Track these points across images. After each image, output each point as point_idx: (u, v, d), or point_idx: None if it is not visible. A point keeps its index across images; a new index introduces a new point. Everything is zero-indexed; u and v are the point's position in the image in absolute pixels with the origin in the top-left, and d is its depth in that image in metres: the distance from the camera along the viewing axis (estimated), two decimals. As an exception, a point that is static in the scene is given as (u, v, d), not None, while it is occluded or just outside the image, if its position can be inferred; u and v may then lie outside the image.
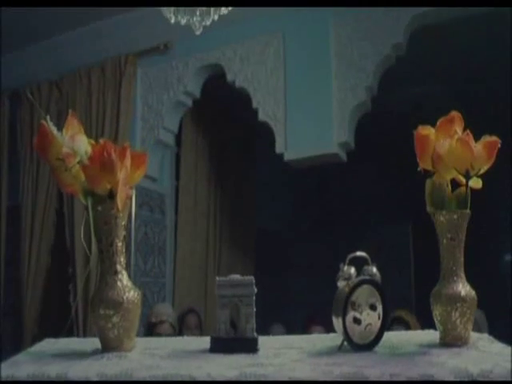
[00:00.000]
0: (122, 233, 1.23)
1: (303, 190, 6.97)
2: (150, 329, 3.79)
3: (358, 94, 4.05)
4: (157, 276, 4.74)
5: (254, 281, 1.26)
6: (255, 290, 1.25)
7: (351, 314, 1.26)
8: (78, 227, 4.43)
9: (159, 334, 3.74)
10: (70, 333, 4.34)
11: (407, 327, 3.69)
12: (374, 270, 1.30)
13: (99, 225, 1.22)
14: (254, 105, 4.26)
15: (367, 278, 1.28)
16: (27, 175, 4.68)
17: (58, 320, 4.70)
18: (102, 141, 1.21)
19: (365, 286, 1.27)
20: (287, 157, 4.19)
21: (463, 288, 1.30)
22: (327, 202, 6.99)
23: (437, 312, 1.31)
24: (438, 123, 1.39)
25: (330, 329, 3.73)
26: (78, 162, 1.26)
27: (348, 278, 1.27)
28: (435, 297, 1.32)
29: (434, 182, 1.37)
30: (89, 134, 3.95)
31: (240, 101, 4.49)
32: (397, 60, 4.06)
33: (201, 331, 4.52)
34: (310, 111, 4.12)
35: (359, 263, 1.29)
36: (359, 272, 1.32)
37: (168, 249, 4.91)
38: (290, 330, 5.65)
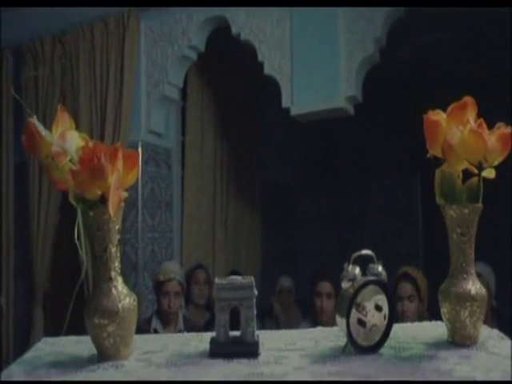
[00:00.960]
0: (116, 238, 1.17)
1: (309, 142, 6.86)
2: (158, 287, 3.78)
3: (366, 46, 3.91)
4: (164, 231, 4.71)
5: (254, 283, 1.20)
6: (256, 292, 1.19)
7: (356, 316, 1.20)
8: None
9: (167, 292, 3.73)
10: (81, 290, 4.35)
11: (414, 283, 3.65)
12: (380, 268, 1.23)
13: (92, 230, 1.15)
14: (260, 58, 4.13)
15: (373, 278, 1.21)
16: (33, 133, 4.60)
17: (69, 275, 4.70)
18: (91, 143, 1.13)
19: (370, 287, 1.21)
20: (293, 111, 4.09)
21: (473, 286, 1.23)
22: (334, 154, 6.89)
23: (445, 310, 1.25)
24: (449, 109, 1.29)
25: (336, 284, 3.70)
26: (70, 160, 1.19)
27: (353, 279, 1.21)
28: (443, 294, 1.25)
29: (444, 171, 1.28)
30: (93, 92, 3.87)
31: (245, 54, 4.35)
32: (405, 11, 3.90)
33: (209, 286, 4.52)
34: (316, 64, 3.99)
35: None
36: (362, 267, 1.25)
37: (175, 204, 4.86)
38: (297, 282, 5.65)
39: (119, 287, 1.17)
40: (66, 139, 1.19)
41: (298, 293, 5.34)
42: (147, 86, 4.53)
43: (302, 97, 4.05)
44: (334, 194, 6.87)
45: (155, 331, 3.75)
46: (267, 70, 4.13)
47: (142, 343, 1.30)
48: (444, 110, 1.30)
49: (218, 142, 5.30)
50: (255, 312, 1.19)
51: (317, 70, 3.99)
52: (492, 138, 1.21)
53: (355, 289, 1.19)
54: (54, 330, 4.31)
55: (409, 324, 1.46)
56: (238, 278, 1.21)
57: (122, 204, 1.17)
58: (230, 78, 5.36)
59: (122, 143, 1.19)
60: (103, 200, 1.13)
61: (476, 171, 1.26)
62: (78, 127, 4.05)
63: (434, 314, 3.69)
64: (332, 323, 3.66)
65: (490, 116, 1.30)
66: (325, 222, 6.88)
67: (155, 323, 3.78)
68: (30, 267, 4.53)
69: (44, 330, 4.50)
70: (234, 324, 1.24)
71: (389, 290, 1.22)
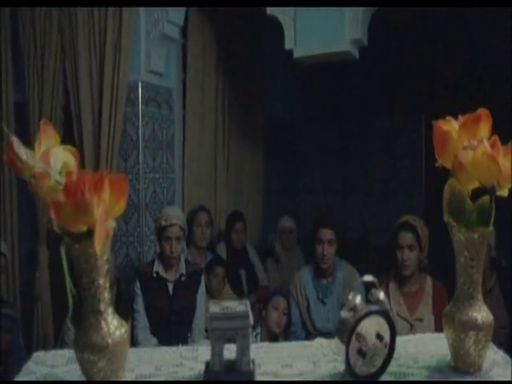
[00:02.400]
0: (104, 268, 1.09)
1: (313, 80, 6.64)
2: (160, 232, 3.74)
3: (373, -13, 3.70)
4: (166, 172, 4.62)
5: (249, 312, 1.12)
6: (251, 321, 1.12)
7: (356, 345, 1.13)
8: (86, 124, 4.27)
9: (169, 237, 3.69)
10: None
11: (414, 232, 3.59)
12: (382, 295, 1.16)
13: (79, 263, 1.07)
14: (263, -3, 3.93)
15: (375, 308, 1.14)
16: (32, 72, 4.43)
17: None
18: (75, 174, 1.03)
19: (372, 316, 1.13)
20: (296, 54, 3.93)
21: (479, 313, 1.15)
22: (337, 93, 6.67)
23: (449, 335, 1.18)
24: (462, 120, 1.18)
25: (338, 232, 3.64)
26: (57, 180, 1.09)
27: (354, 308, 1.13)
28: (448, 318, 1.18)
29: (454, 188, 1.18)
30: (91, 32, 3.69)
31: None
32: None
33: (211, 228, 4.48)
34: (321, 6, 3.79)
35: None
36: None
37: (176, 144, 4.76)
38: (299, 219, 5.62)
39: (109, 319, 1.09)
40: (49, 158, 1.09)
41: (300, 231, 5.31)
42: (147, 25, 4.34)
43: (305, 39, 3.88)
44: (337, 131, 6.73)
45: (157, 274, 3.74)
46: (270, 10, 3.93)
47: (136, 361, 1.24)
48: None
49: (220, 81, 5.13)
50: (251, 340, 1.12)
51: (321, 11, 3.79)
52: (506, 163, 1.10)
53: (356, 319, 1.11)
54: (57, 268, 4.32)
55: (411, 337, 1.40)
56: (233, 305, 1.13)
57: (111, 233, 1.08)
58: (232, 15, 5.12)
59: (107, 173, 1.06)
60: (89, 232, 1.05)
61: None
62: (76, 66, 3.87)
63: (433, 263, 3.66)
64: (332, 270, 3.63)
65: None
66: (327, 159, 6.77)
67: (157, 267, 3.76)
68: (33, 207, 4.48)
69: (49, 267, 4.49)
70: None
71: (391, 318, 1.15)
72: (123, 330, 1.10)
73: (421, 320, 3.59)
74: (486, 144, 1.11)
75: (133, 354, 1.23)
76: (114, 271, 3.70)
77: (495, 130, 1.18)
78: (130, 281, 4.28)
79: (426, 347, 1.30)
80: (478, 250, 1.14)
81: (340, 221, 6.31)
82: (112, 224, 1.07)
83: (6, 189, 4.47)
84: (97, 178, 1.03)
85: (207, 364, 1.15)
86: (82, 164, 3.64)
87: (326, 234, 3.81)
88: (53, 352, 1.30)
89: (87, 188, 1.00)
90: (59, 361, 1.26)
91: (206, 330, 3.91)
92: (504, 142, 1.15)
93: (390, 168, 6.44)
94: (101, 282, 1.08)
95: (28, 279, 4.53)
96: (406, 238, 3.58)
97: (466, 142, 1.16)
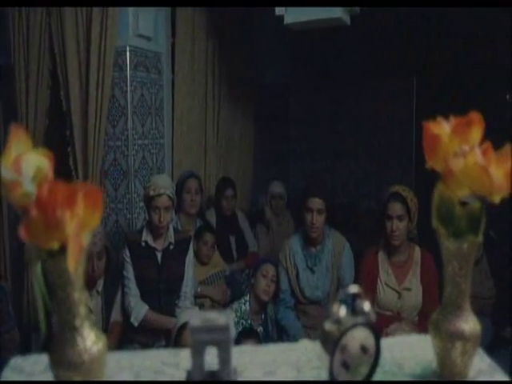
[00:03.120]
0: (80, 281, 1.03)
1: (304, 46, 6.48)
2: (148, 201, 3.69)
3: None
4: (155, 137, 4.55)
5: (230, 324, 1.08)
6: (233, 333, 1.08)
7: (340, 357, 1.10)
8: (73, 89, 4.18)
9: (157, 207, 3.64)
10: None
11: (404, 203, 3.56)
12: (367, 306, 1.11)
13: (52, 277, 1.02)
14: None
15: (360, 321, 1.09)
16: (17, 35, 4.29)
17: (60, 179, 4.60)
18: (46, 187, 0.96)
19: (357, 329, 1.09)
20: (287, 20, 3.83)
21: (467, 324, 1.11)
22: (328, 59, 6.50)
23: (435, 343, 1.14)
24: (453, 123, 1.13)
25: (328, 200, 3.60)
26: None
27: (338, 321, 1.09)
28: (434, 326, 1.14)
29: (443, 193, 1.13)
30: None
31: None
32: None
33: (201, 195, 4.44)
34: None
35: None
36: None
37: (165, 109, 4.67)
38: (289, 184, 5.58)
39: (85, 334, 1.04)
40: (20, 165, 1.03)
41: (290, 197, 5.28)
42: (134, -12, 4.20)
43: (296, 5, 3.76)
44: (327, 96, 6.62)
45: (146, 243, 3.71)
46: (261, -25, 3.81)
47: (115, 368, 1.20)
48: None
49: (210, 45, 5.02)
50: (232, 353, 1.08)
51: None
52: (499, 173, 1.05)
53: (341, 332, 1.07)
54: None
55: (397, 340, 1.36)
56: (215, 316, 1.09)
57: (86, 248, 1.02)
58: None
59: (83, 185, 1.00)
60: (62, 248, 0.99)
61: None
62: (62, 30, 3.74)
63: (422, 233, 3.63)
64: (321, 238, 3.61)
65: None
66: (318, 124, 6.68)
67: (146, 236, 3.73)
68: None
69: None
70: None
71: (377, 331, 1.11)
72: (101, 345, 1.06)
73: (409, 289, 3.59)
74: (478, 153, 1.06)
75: (111, 358, 1.19)
76: (103, 240, 3.67)
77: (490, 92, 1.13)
78: (119, 247, 4.25)
79: (411, 351, 1.26)
80: (467, 259, 1.10)
81: (330, 186, 6.28)
82: (87, 238, 1.02)
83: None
84: (70, 190, 0.97)
85: (188, 373, 1.12)
86: (69, 124, 3.55)
87: (316, 203, 3.78)
88: (33, 358, 1.26)
89: (59, 203, 0.94)
90: (38, 368, 1.22)
91: (195, 297, 3.91)
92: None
93: (380, 133, 6.36)
94: (76, 296, 1.02)
95: (17, 246, 4.49)
96: (396, 208, 3.55)
97: (458, 148, 1.10)
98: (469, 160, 1.07)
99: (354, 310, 1.11)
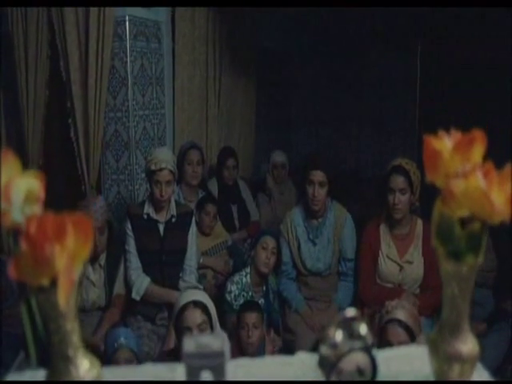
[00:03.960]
0: (73, 311, 1.01)
1: (307, 12, 6.29)
2: (150, 175, 3.66)
3: None
4: (156, 108, 4.49)
5: (225, 349, 1.06)
6: (227, 359, 1.06)
7: (336, 379, 1.08)
8: (73, 60, 4.11)
9: (158, 181, 3.60)
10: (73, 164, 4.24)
11: (407, 176, 3.52)
12: (364, 329, 1.09)
13: (45, 309, 0.99)
14: None
15: (357, 346, 1.07)
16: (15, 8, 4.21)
17: (61, 154, 4.58)
18: (34, 222, 0.93)
19: (353, 353, 1.07)
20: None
21: (465, 345, 1.08)
22: (332, 25, 6.33)
23: (433, 363, 1.12)
24: (455, 141, 1.09)
25: (329, 173, 3.56)
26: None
27: (334, 346, 1.07)
28: (432, 345, 1.12)
29: (442, 213, 1.10)
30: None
31: None
32: None
33: (203, 166, 4.40)
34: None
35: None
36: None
37: (166, 78, 4.59)
38: (291, 153, 5.52)
39: (78, 363, 1.02)
40: (10, 193, 1.00)
41: (292, 165, 5.24)
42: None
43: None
44: (330, 62, 6.48)
45: (148, 216, 3.69)
46: None
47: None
48: None
49: (210, 12, 4.90)
50: (226, 376, 1.06)
51: None
52: (500, 197, 1.01)
53: (337, 357, 1.06)
54: (48, 202, 4.27)
55: (394, 352, 1.34)
56: (209, 341, 1.07)
57: (77, 279, 0.99)
58: None
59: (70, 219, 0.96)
60: (53, 282, 0.96)
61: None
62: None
63: (424, 206, 3.61)
64: (323, 211, 3.58)
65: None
66: (320, 91, 6.56)
67: (148, 208, 3.70)
68: (23, 143, 4.37)
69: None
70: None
71: (373, 354, 1.09)
72: (95, 372, 1.04)
73: (410, 262, 3.58)
74: (480, 176, 1.02)
75: (107, 374, 1.18)
76: (105, 215, 3.65)
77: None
78: (121, 219, 4.24)
79: (409, 365, 1.24)
80: (466, 282, 1.07)
81: (332, 154, 6.21)
82: (78, 271, 0.99)
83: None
84: (59, 222, 0.94)
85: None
86: (69, 95, 3.49)
87: (317, 175, 3.74)
88: (28, 374, 1.24)
89: (48, 238, 0.91)
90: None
91: (198, 269, 3.91)
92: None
93: (384, 100, 6.25)
94: (68, 327, 1.00)
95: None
96: (398, 181, 3.51)
97: (459, 166, 1.07)
98: (470, 182, 1.03)
99: (350, 334, 1.09)
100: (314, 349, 2.86)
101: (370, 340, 1.08)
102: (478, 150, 1.08)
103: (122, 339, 2.94)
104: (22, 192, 1.02)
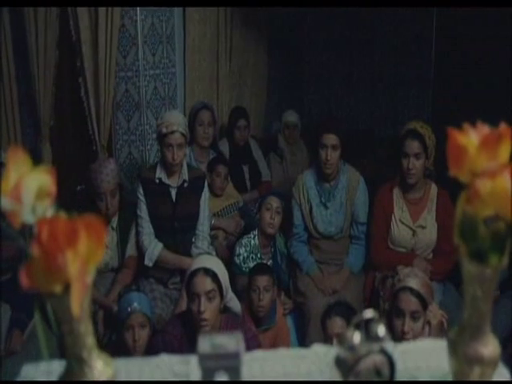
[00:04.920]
0: (86, 313, 0.99)
1: None
2: (161, 138, 3.60)
3: None
4: (166, 67, 4.39)
5: (241, 349, 1.03)
6: (242, 361, 1.04)
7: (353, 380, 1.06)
8: (82, 19, 4.01)
9: (170, 145, 3.54)
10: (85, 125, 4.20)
11: (421, 141, 3.46)
12: (383, 331, 1.06)
13: (58, 312, 0.97)
14: None
15: (375, 349, 1.04)
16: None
17: (72, 114, 4.53)
18: (45, 228, 0.90)
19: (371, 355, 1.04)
20: None
21: (486, 348, 1.05)
22: None
23: (452, 364, 1.09)
24: (481, 135, 1.04)
25: (342, 136, 3.51)
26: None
27: (352, 348, 1.04)
28: (452, 347, 1.09)
29: (466, 212, 1.06)
30: None
31: None
32: None
33: (214, 127, 4.35)
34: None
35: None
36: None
37: (177, 37, 4.47)
38: (303, 113, 5.43)
39: (93, 364, 1.01)
40: (20, 191, 0.96)
41: (304, 124, 5.16)
42: None
43: None
44: (344, 19, 6.28)
45: (160, 180, 3.65)
46: None
47: (124, 377, 1.17)
48: None
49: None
50: (241, 378, 1.04)
51: None
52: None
53: (355, 359, 1.03)
54: (61, 164, 4.22)
55: (411, 347, 1.31)
56: (225, 341, 1.04)
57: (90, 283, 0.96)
58: None
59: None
60: (66, 287, 0.94)
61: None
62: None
63: (439, 170, 3.55)
64: (336, 174, 3.53)
65: None
66: (333, 48, 6.39)
67: (159, 173, 3.66)
68: (34, 103, 4.32)
69: (52, 164, 4.40)
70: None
71: (391, 357, 1.06)
72: (109, 372, 1.02)
73: (423, 227, 3.54)
74: (507, 177, 0.97)
75: (121, 367, 1.16)
76: (116, 178, 3.62)
77: None
78: (133, 180, 4.22)
79: (426, 361, 1.22)
80: (489, 284, 1.03)
81: (345, 114, 6.10)
82: (92, 275, 0.96)
83: (5, 87, 4.27)
84: (71, 227, 0.91)
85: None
86: (79, 55, 3.41)
87: (330, 139, 3.67)
88: (43, 366, 1.23)
89: (60, 244, 0.88)
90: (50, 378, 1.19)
91: (211, 236, 3.89)
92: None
93: (399, 57, 6.08)
94: (81, 329, 0.98)
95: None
96: (413, 146, 3.44)
97: (485, 164, 1.02)
98: (497, 182, 0.99)
99: (368, 335, 1.06)
100: (325, 314, 2.87)
101: (388, 341, 1.05)
102: (506, 148, 1.03)
103: (136, 304, 2.94)
104: (33, 190, 0.98)
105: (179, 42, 4.50)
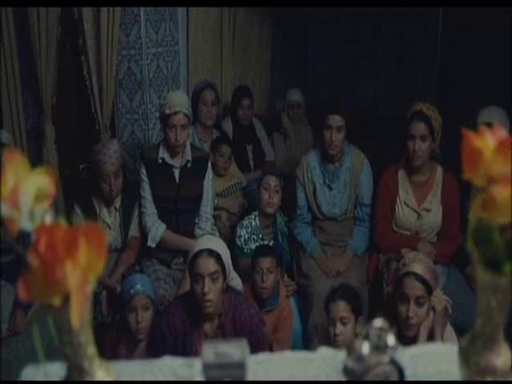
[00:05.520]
0: (87, 324, 0.95)
1: None
2: (164, 119, 3.55)
3: None
4: (169, 45, 4.32)
5: (245, 358, 1.00)
6: (247, 371, 1.00)
7: (363, 388, 1.02)
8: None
9: (173, 125, 3.50)
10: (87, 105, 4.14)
11: (428, 122, 3.40)
12: (393, 341, 1.02)
13: (58, 321, 0.93)
14: None
15: (385, 361, 1.00)
16: None
17: (75, 92, 4.47)
18: (44, 238, 0.85)
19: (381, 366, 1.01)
20: None
21: (499, 358, 1.01)
22: None
23: (463, 373, 1.06)
24: (497, 139, 0.99)
25: (347, 117, 3.45)
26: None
27: (361, 359, 1.00)
28: (464, 356, 1.05)
29: (481, 219, 1.01)
30: None
31: None
32: None
33: (218, 106, 4.29)
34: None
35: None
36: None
37: (180, 14, 4.39)
38: (307, 92, 5.33)
39: (93, 374, 0.97)
40: (18, 197, 0.92)
41: (308, 103, 5.09)
42: None
43: None
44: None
45: (163, 160, 3.60)
46: None
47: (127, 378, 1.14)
48: None
49: None
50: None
51: None
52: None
53: (364, 370, 0.99)
54: (64, 143, 4.17)
55: (421, 351, 1.27)
56: (229, 350, 1.01)
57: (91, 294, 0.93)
58: None
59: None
60: (66, 299, 0.90)
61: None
62: None
63: (445, 152, 3.50)
64: (340, 155, 3.48)
65: None
66: (339, 24, 6.24)
67: (162, 153, 3.61)
68: (36, 82, 4.25)
69: (55, 143, 4.36)
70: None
71: (400, 367, 1.02)
72: (114, 376, 0.99)
73: (428, 210, 3.50)
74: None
75: (125, 369, 1.13)
76: (119, 158, 3.57)
77: None
78: (135, 159, 4.18)
79: (436, 366, 1.18)
80: (504, 294, 0.99)
81: (349, 92, 6.00)
82: (92, 285, 0.92)
83: (7, 65, 4.20)
84: (70, 235, 0.86)
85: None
86: (81, 33, 3.34)
87: (335, 120, 3.61)
88: (43, 368, 1.20)
89: (59, 255, 0.84)
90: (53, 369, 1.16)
91: (214, 216, 3.85)
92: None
93: (403, 36, 5.94)
94: (82, 339, 0.94)
95: (36, 156, 4.42)
96: (419, 128, 3.38)
97: (501, 169, 0.98)
98: (513, 191, 0.95)
99: (377, 345, 1.02)
100: (329, 298, 2.84)
101: (398, 349, 1.01)
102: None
103: (139, 286, 2.92)
104: (31, 195, 0.94)
105: (182, 19, 4.42)
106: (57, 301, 0.87)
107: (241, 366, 0.99)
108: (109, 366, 1.01)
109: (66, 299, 0.89)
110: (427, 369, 1.18)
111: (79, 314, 0.88)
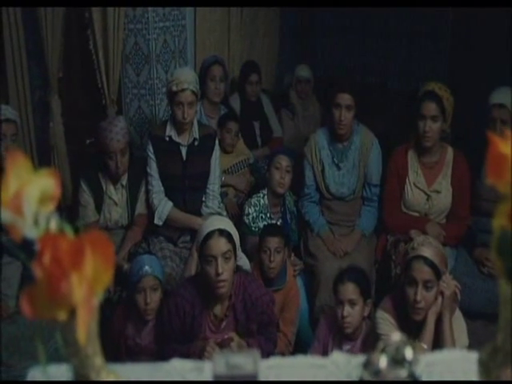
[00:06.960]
0: (94, 335, 0.91)
1: None
2: (171, 96, 3.48)
3: None
4: (177, 19, 4.21)
5: (257, 369, 0.96)
6: (259, 382, 0.96)
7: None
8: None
9: (181, 103, 3.43)
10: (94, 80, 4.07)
11: (439, 103, 3.33)
12: (410, 354, 0.97)
13: (66, 335, 0.89)
14: None
15: (403, 376, 0.96)
16: None
17: (81, 67, 4.40)
18: (48, 251, 0.81)
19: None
20: None
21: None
22: None
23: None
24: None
25: (357, 96, 3.38)
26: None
27: (377, 373, 0.96)
28: (482, 368, 1.01)
29: (504, 227, 0.96)
30: None
31: None
32: None
33: (225, 82, 4.22)
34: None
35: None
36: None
37: (187, -12, 4.30)
38: (315, 67, 5.23)
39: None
40: (21, 201, 0.87)
41: (316, 78, 4.99)
42: None
43: None
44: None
45: (170, 138, 3.55)
46: None
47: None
48: None
49: None
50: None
51: None
52: None
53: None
54: (71, 116, 4.12)
55: (437, 357, 1.22)
56: (241, 361, 0.97)
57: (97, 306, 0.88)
58: None
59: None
60: (72, 312, 0.86)
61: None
62: None
63: (455, 134, 3.43)
64: (349, 134, 3.42)
65: None
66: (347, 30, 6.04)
67: (169, 130, 3.55)
68: (42, 54, 4.18)
69: (62, 116, 4.30)
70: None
71: (419, 379, 0.98)
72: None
73: (438, 192, 3.44)
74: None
75: (132, 372, 1.10)
76: (126, 135, 3.51)
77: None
78: (142, 135, 4.13)
79: (452, 373, 1.14)
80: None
81: (358, 65, 5.87)
82: (99, 298, 0.88)
83: (13, 36, 4.13)
84: (76, 247, 0.82)
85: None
86: (88, 12, 3.26)
87: (345, 98, 3.53)
88: (49, 370, 1.16)
89: (65, 267, 0.79)
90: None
91: (221, 193, 3.81)
92: None
93: (414, 8, 5.76)
94: (89, 351, 0.91)
95: (42, 129, 4.37)
96: (430, 108, 3.31)
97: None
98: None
99: (394, 359, 0.98)
100: (337, 279, 2.80)
101: (417, 363, 0.97)
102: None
103: (147, 267, 2.89)
104: (35, 199, 0.90)
105: (190, -5, 4.31)
106: (62, 315, 0.83)
107: (252, 377, 0.96)
108: (117, 375, 0.97)
109: (72, 313, 0.85)
110: (443, 376, 1.14)
111: (86, 328, 0.83)
